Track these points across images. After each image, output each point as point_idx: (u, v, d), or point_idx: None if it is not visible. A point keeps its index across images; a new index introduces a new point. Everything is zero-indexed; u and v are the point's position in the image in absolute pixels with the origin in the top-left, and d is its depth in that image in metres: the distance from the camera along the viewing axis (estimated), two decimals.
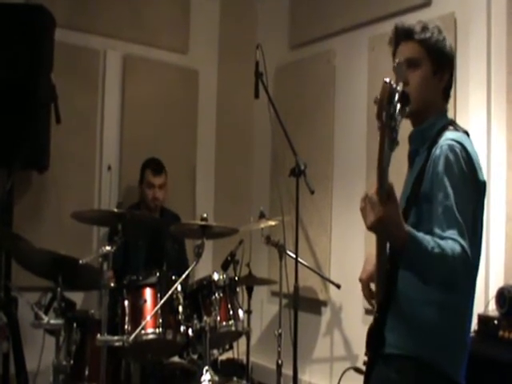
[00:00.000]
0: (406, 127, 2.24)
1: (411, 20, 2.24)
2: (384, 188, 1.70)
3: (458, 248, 1.83)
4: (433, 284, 1.95)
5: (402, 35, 2.17)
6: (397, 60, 1.87)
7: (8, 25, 4.08)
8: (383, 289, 2.07)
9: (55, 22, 4.37)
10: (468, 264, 1.87)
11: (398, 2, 4.29)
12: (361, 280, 2.38)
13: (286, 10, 5.49)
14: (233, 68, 5.68)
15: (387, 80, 1.61)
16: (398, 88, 1.62)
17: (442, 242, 1.82)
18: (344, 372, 2.97)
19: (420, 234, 1.81)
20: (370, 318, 2.21)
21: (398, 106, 1.62)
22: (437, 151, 2.01)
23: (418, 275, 1.90)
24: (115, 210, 3.48)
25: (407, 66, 2.11)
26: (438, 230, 1.89)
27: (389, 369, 2.06)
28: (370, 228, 1.76)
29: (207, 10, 5.74)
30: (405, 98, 1.64)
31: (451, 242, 1.84)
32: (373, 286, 2.31)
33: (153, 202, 4.65)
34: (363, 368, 2.23)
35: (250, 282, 4.34)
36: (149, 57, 5.33)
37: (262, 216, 4.25)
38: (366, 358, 2.29)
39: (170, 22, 5.48)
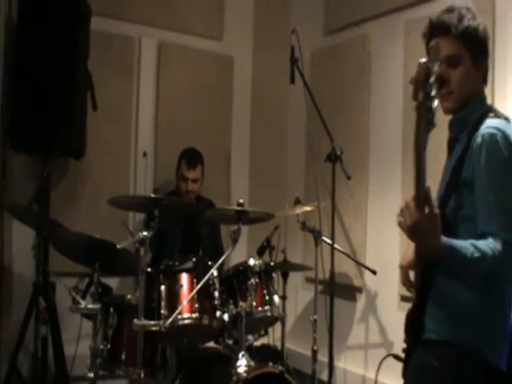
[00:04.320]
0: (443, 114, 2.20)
1: (449, 3, 2.18)
2: (421, 192, 1.73)
3: (498, 246, 1.86)
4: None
5: (438, 30, 2.10)
6: (433, 41, 1.84)
7: (45, 14, 4.12)
8: (421, 275, 2.06)
9: (91, 11, 4.40)
10: None
11: None
12: (401, 266, 2.39)
13: None
14: (268, 53, 5.65)
15: (423, 60, 1.62)
16: (435, 68, 1.62)
17: (480, 244, 1.86)
18: (383, 359, 2.93)
19: (458, 243, 1.85)
20: (406, 305, 2.19)
21: (435, 87, 1.62)
22: (478, 139, 1.99)
23: (459, 280, 1.97)
24: (152, 195, 3.49)
25: (447, 63, 2.08)
26: (480, 226, 1.94)
27: (427, 355, 2.04)
28: (409, 232, 1.81)
29: None
30: (441, 81, 1.64)
31: (492, 239, 1.87)
32: (412, 274, 2.30)
33: (186, 194, 4.63)
34: (402, 355, 2.22)
35: (285, 268, 4.31)
36: (184, 44, 5.33)
37: (297, 202, 4.21)
38: (404, 345, 2.27)
39: (204, 8, 5.46)
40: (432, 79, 1.61)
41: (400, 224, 1.83)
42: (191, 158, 4.69)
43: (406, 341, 2.24)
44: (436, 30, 2.11)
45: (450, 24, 2.06)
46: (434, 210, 1.76)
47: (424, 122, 1.64)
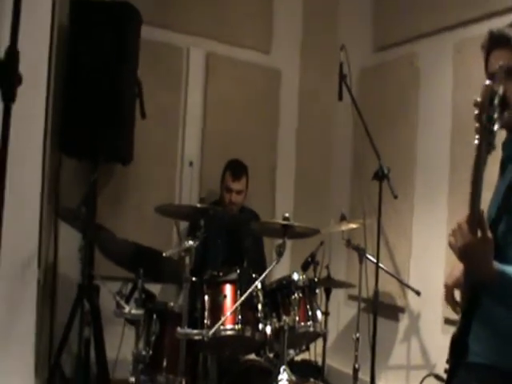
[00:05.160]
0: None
1: (501, 23, 2.15)
2: (475, 215, 1.71)
3: None
4: None
5: (497, 42, 2.05)
6: (500, 62, 1.82)
7: (97, 22, 4.20)
8: (467, 296, 2.03)
9: (141, 19, 4.46)
10: None
11: (486, 4, 4.15)
12: (446, 285, 2.33)
13: (369, 10, 5.42)
14: (315, 69, 5.69)
15: (488, 82, 1.61)
16: (500, 91, 1.61)
17: None
18: (424, 378, 2.91)
19: (510, 269, 1.80)
20: (450, 328, 2.17)
21: (498, 109, 1.61)
22: None
23: (508, 306, 1.91)
24: (198, 205, 3.50)
25: (505, 75, 2.02)
26: None
27: (471, 378, 2.01)
28: (460, 253, 1.78)
29: (290, 10, 5.75)
30: (505, 103, 1.64)
31: None
32: (457, 293, 2.26)
33: (229, 205, 4.67)
34: (443, 376, 2.17)
35: (329, 284, 4.33)
36: (232, 55, 5.37)
37: (343, 218, 4.22)
38: (447, 366, 2.22)
39: (253, 21, 5.51)
40: (496, 101, 1.60)
41: (451, 245, 1.82)
42: (236, 169, 4.73)
43: (449, 362, 2.20)
44: (496, 41, 2.05)
45: (510, 36, 2.01)
46: (488, 235, 1.74)
47: (485, 144, 1.63)
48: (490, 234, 1.75)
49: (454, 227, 1.78)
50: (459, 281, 2.25)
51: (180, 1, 5.07)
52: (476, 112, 1.63)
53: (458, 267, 2.26)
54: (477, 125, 1.64)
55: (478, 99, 1.62)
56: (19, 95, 1.31)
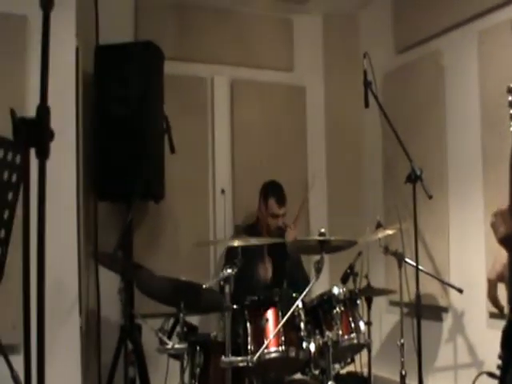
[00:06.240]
0: None
1: None
2: None
3: None
4: None
5: None
6: None
7: (120, 63, 4.45)
8: None
9: (164, 55, 4.69)
10: None
11: None
12: (489, 280, 2.42)
13: (389, 14, 5.54)
14: (339, 79, 5.84)
15: None
16: None
17: None
18: (477, 377, 2.97)
19: None
20: (495, 322, 2.20)
21: None
22: None
23: None
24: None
25: None
26: None
27: None
28: (501, 241, 1.88)
29: (310, 25, 5.93)
30: None
31: None
32: (501, 287, 2.34)
33: (276, 230, 4.84)
34: (496, 372, 2.25)
35: (369, 293, 4.42)
36: (255, 78, 5.58)
37: (379, 226, 4.32)
38: (499, 362, 2.28)
39: (273, 41, 5.71)
40: None
41: (493, 225, 1.91)
42: (279, 194, 4.90)
43: (502, 356, 2.25)
44: None
45: None
46: None
47: None
48: None
49: (496, 211, 1.89)
50: (502, 275, 2.33)
51: (199, 32, 5.31)
52: (510, 98, 1.75)
53: (499, 261, 2.36)
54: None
55: (511, 85, 1.73)
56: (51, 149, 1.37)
